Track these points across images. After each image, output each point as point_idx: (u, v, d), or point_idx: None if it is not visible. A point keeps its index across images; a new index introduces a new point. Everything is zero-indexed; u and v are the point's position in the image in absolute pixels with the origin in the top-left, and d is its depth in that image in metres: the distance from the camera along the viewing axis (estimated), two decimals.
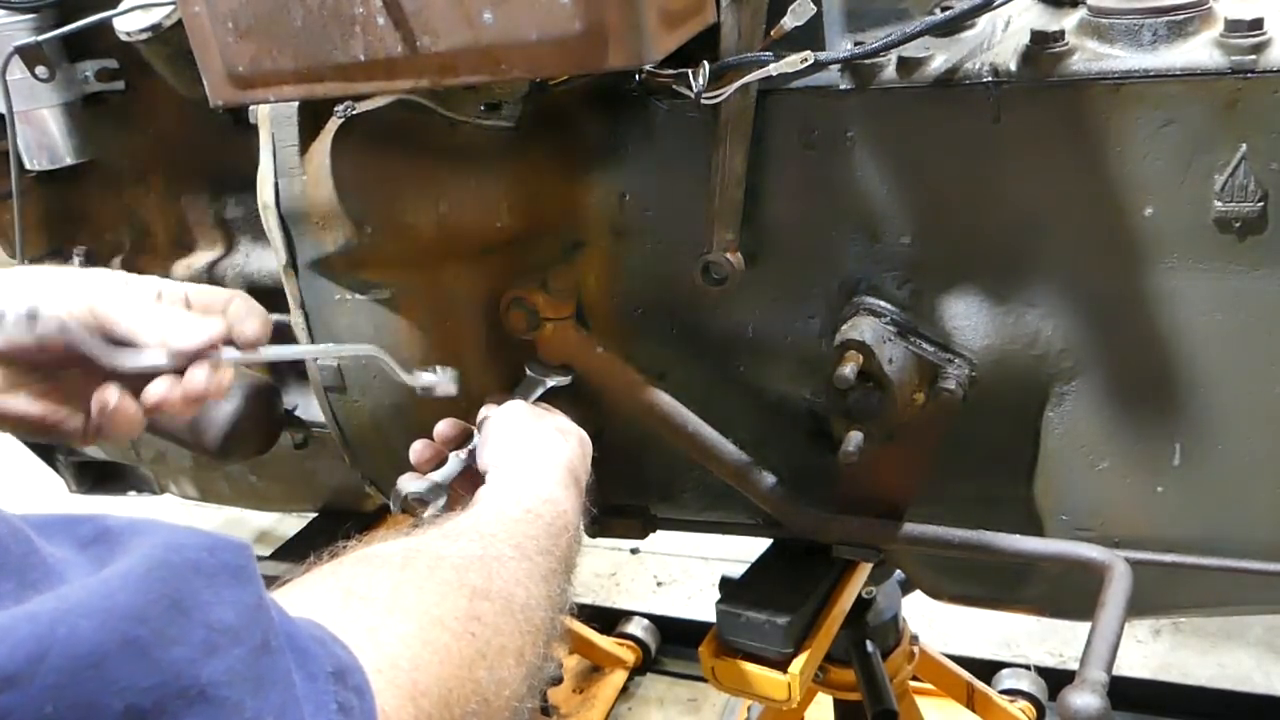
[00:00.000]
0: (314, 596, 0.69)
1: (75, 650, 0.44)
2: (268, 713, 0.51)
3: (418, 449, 1.12)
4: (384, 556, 0.77)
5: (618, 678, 2.75)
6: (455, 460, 1.10)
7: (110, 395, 0.87)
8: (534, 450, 1.04)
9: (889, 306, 1.12)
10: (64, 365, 0.87)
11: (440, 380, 1.05)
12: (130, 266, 1.63)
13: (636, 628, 2.87)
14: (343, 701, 0.56)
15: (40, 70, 1.53)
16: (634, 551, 3.34)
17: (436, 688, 0.67)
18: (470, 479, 1.09)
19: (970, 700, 2.17)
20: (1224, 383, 1.05)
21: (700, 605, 3.05)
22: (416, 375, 1.05)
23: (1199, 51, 0.96)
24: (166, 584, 0.49)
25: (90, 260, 1.68)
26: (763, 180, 1.12)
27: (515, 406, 1.11)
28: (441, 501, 1.07)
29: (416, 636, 0.69)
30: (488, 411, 1.11)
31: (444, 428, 1.14)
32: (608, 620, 2.88)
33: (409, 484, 1.08)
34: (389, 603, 0.71)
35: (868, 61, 1.05)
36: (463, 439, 1.12)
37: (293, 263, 1.26)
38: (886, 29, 1.08)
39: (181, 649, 0.48)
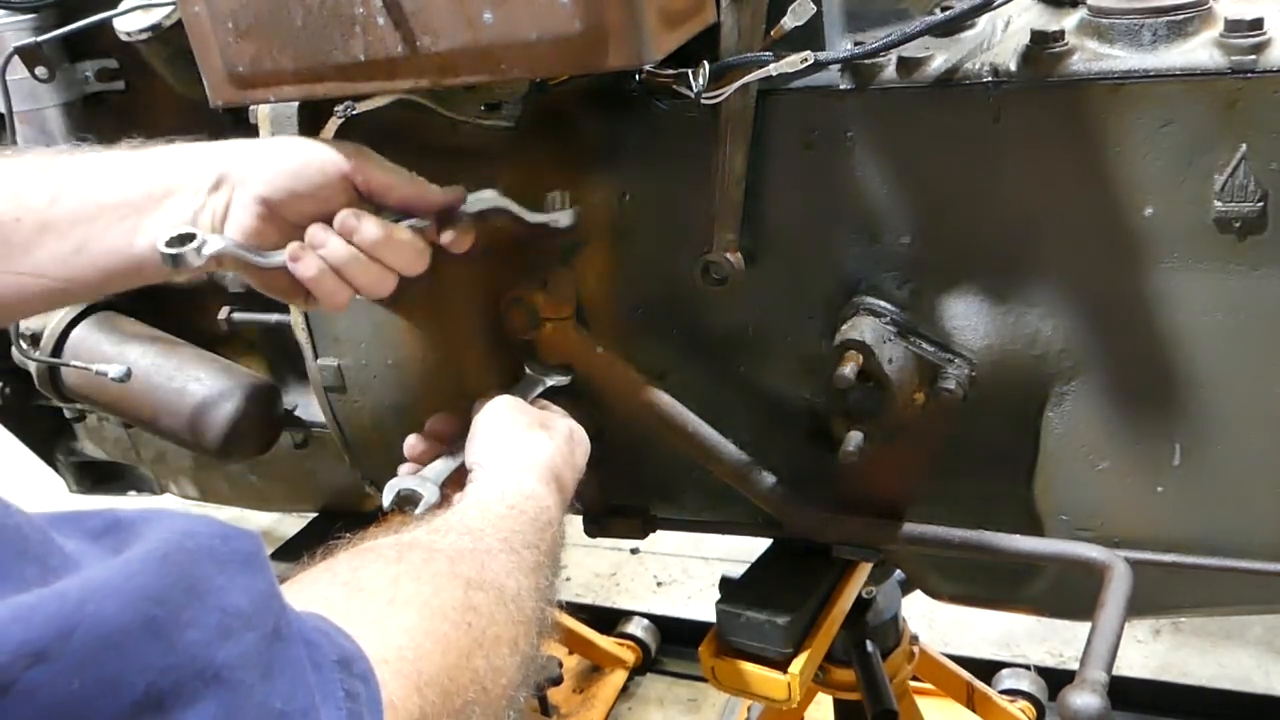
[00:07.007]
0: (315, 592, 0.70)
1: (101, 628, 0.45)
2: (276, 698, 0.51)
3: (411, 443, 1.13)
4: (378, 551, 0.79)
5: (618, 678, 2.76)
6: (449, 456, 1.10)
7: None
8: (516, 448, 1.04)
9: (889, 306, 1.12)
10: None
11: (555, 216, 1.13)
12: None
13: (636, 628, 2.87)
14: (349, 689, 0.57)
15: (40, 70, 1.53)
16: (634, 551, 3.34)
17: (439, 678, 0.68)
18: (463, 475, 1.09)
19: (970, 700, 2.17)
20: (1224, 383, 1.05)
21: (700, 605, 3.06)
22: (536, 215, 1.12)
23: (1199, 51, 0.96)
24: (182, 568, 0.50)
25: None
26: (763, 180, 1.12)
27: (500, 404, 1.10)
28: (435, 498, 1.07)
29: (419, 627, 0.70)
30: (477, 410, 1.11)
31: (435, 423, 1.14)
32: (608, 620, 2.88)
33: (402, 480, 1.08)
34: (389, 594, 0.71)
35: (868, 61, 1.05)
36: (456, 434, 1.12)
37: None
38: (886, 29, 1.08)
39: (197, 632, 0.49)
